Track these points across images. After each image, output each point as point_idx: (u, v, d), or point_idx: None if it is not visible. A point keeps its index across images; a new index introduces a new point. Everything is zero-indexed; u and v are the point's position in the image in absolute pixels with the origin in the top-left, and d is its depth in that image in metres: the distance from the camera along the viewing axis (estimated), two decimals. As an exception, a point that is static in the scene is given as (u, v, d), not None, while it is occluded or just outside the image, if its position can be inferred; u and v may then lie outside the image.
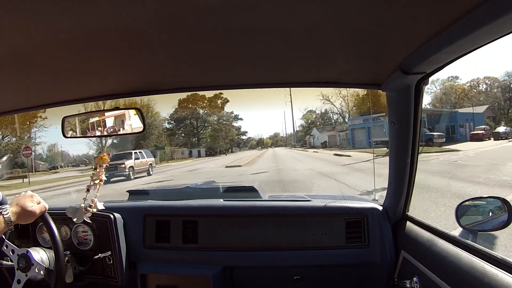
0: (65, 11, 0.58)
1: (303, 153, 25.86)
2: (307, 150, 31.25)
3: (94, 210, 1.24)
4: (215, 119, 41.44)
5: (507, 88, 28.61)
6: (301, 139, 42.87)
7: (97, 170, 1.21)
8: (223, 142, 39.93)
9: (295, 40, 0.77)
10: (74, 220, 1.21)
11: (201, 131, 40.82)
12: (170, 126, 37.79)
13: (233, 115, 44.08)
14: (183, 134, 38.52)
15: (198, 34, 0.72)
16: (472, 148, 14.74)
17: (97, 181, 1.20)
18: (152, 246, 1.39)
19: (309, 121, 43.15)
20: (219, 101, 38.05)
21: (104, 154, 1.20)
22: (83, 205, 1.23)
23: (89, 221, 1.26)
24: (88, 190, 1.22)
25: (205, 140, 40.05)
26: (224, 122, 42.52)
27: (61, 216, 1.37)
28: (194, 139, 39.40)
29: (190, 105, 37.46)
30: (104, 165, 1.21)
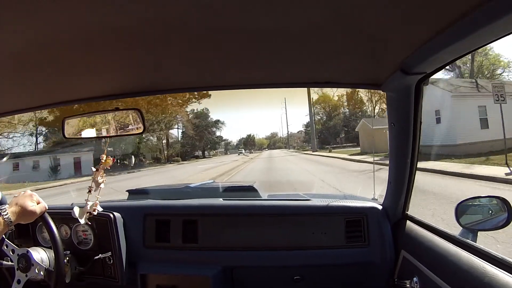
0: (65, 11, 0.58)
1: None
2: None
3: (95, 212, 1.27)
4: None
5: None
6: (318, 135, 26.88)
7: (98, 171, 1.23)
8: (159, 142, 19.63)
9: (295, 40, 0.77)
10: (80, 221, 1.23)
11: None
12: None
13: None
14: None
15: (197, 34, 0.72)
16: None
17: (102, 183, 1.23)
18: (152, 246, 1.39)
19: (330, 107, 27.66)
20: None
21: (110, 158, 1.24)
22: (88, 206, 1.25)
23: (89, 223, 1.29)
24: (89, 191, 1.23)
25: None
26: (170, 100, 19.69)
27: (61, 216, 1.37)
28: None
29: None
30: (105, 167, 1.24)
